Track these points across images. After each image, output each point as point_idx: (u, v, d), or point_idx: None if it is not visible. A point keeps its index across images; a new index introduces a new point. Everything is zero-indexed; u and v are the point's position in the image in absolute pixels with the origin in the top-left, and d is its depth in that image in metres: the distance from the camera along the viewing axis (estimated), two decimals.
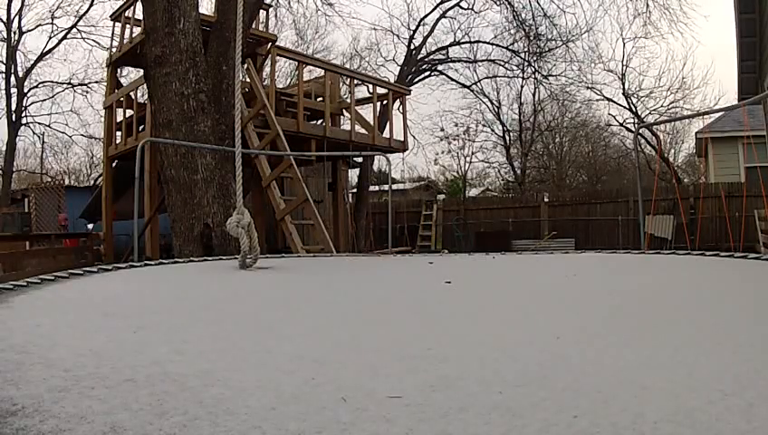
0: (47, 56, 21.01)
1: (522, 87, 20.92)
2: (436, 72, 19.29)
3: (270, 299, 2.69)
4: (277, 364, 1.37)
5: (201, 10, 8.19)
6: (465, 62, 19.42)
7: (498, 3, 17.53)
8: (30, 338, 1.61)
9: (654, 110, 20.02)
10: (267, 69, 10.85)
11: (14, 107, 20.36)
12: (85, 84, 21.32)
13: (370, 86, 12.17)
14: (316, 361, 1.40)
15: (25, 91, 20.84)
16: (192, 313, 2.21)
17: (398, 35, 20.08)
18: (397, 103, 13.02)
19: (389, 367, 1.33)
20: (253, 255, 3.48)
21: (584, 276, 3.52)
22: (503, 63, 19.20)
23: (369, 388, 1.15)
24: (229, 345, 1.60)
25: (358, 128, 11.67)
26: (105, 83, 12.50)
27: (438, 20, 18.39)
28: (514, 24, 17.67)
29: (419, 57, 18.34)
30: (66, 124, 22.81)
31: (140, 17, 8.51)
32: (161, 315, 2.11)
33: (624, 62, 20.06)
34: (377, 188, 18.59)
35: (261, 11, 10.22)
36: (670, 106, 19.75)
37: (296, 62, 11.49)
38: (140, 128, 10.11)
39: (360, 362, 1.39)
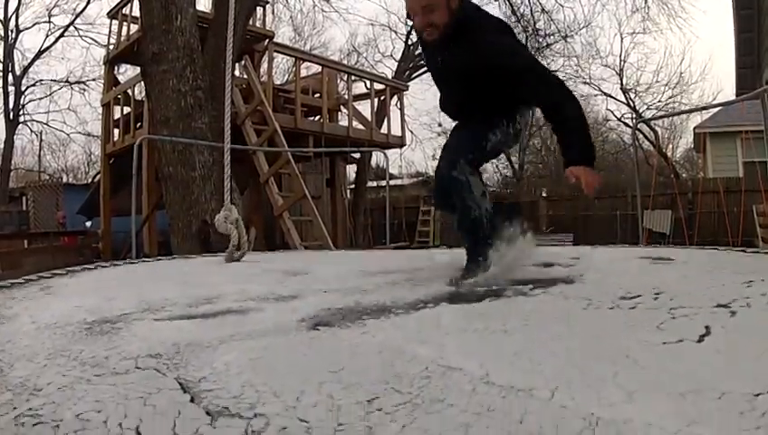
0: (44, 54, 20.96)
1: None
2: None
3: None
4: None
5: (198, 7, 8.17)
6: None
7: None
8: None
9: (652, 105, 20.04)
10: (265, 65, 10.83)
11: (11, 105, 20.32)
12: (82, 82, 21.25)
13: (368, 82, 12.15)
14: None
15: (23, 89, 20.79)
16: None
17: (395, 31, 20.05)
18: (394, 99, 13.01)
19: None
20: (240, 251, 3.47)
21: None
22: None
23: None
24: None
25: (355, 124, 11.65)
26: (102, 81, 12.47)
27: None
28: (512, 20, 17.63)
29: (417, 53, 18.32)
30: (64, 122, 22.84)
31: (137, 15, 8.48)
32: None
33: (622, 58, 20.08)
34: (375, 183, 18.56)
35: (258, 7, 10.20)
36: (668, 101, 19.76)
37: (293, 59, 11.46)
38: (138, 125, 10.10)
39: None
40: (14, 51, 20.29)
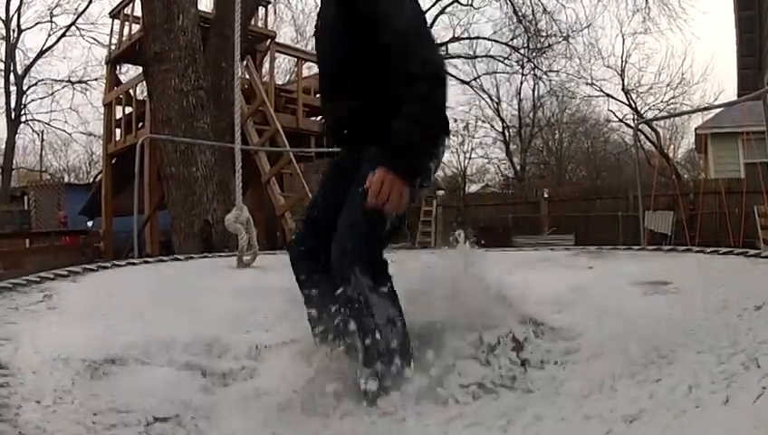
0: (46, 54, 21.02)
1: (521, 83, 20.89)
2: None
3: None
4: None
5: (200, 7, 8.19)
6: (465, 57, 19.44)
7: None
8: None
9: (653, 105, 20.01)
10: (266, 65, 10.84)
11: (13, 105, 20.35)
12: (84, 82, 21.28)
13: None
14: None
15: (24, 88, 20.82)
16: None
17: None
18: None
19: None
20: (251, 252, 3.45)
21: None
22: (502, 59, 19.20)
23: None
24: None
25: None
26: (104, 81, 12.49)
27: (437, 16, 18.39)
28: (514, 20, 17.65)
29: None
30: (65, 122, 22.89)
31: (140, 14, 8.50)
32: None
33: (623, 58, 20.05)
34: None
35: (260, 8, 10.21)
36: (670, 102, 19.72)
37: (295, 59, 11.47)
38: (140, 125, 10.11)
39: None
40: (16, 50, 20.36)
